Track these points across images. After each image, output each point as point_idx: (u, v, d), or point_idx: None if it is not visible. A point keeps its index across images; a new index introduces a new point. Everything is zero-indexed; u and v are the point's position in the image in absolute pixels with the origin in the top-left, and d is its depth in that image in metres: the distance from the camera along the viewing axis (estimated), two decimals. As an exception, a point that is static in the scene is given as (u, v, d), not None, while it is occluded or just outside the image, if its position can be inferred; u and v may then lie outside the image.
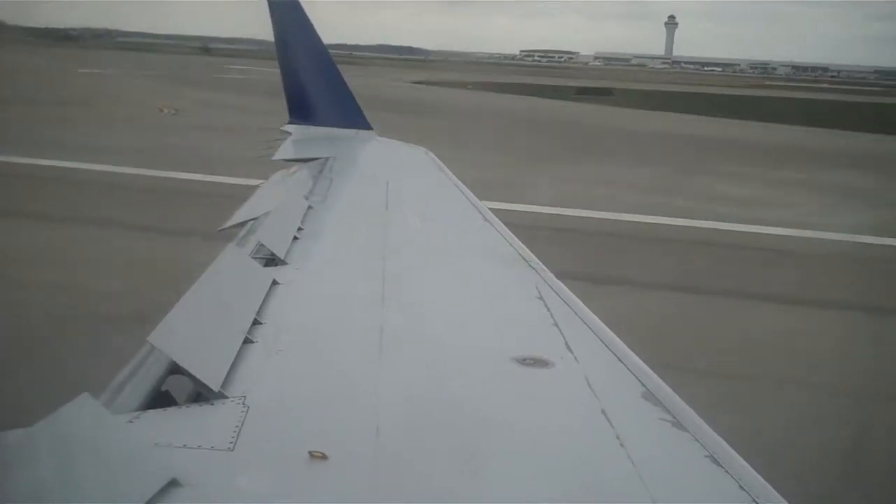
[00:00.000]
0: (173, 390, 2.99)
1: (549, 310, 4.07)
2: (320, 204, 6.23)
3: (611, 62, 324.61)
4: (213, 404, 2.78)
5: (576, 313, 4.05)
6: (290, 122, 10.15)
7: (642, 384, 3.23)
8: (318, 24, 10.00)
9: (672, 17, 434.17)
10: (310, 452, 2.43)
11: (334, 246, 5.36)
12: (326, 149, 8.91)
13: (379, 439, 2.60)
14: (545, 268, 4.87)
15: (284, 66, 10.12)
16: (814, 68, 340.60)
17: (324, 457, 2.42)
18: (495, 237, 5.65)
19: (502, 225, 5.94)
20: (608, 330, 3.84)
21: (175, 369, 2.99)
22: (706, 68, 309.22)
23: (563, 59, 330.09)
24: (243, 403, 2.77)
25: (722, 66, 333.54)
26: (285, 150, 9.36)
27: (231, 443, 2.50)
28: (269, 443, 2.54)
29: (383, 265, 4.65)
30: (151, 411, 2.74)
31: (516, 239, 5.53)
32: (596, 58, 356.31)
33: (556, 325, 3.85)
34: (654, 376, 3.32)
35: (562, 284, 4.52)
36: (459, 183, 7.64)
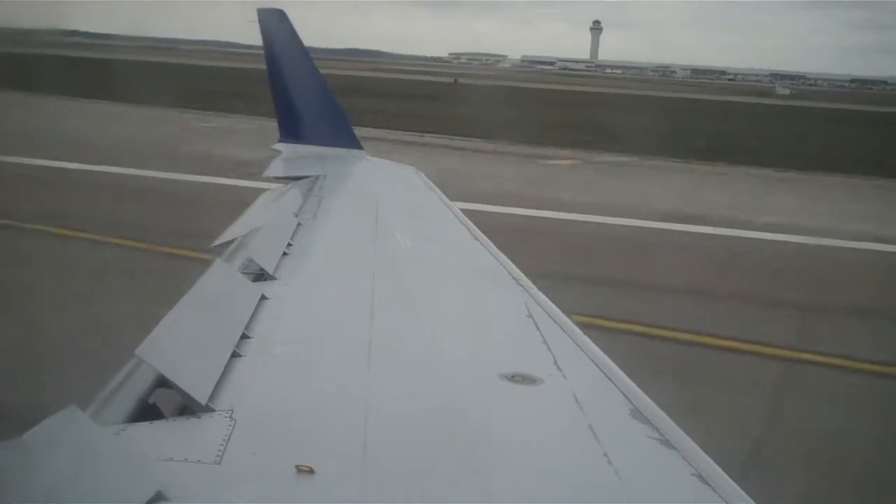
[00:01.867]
0: (160, 403, 2.98)
1: (538, 327, 4.07)
2: (310, 221, 6.23)
3: (533, 65, 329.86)
4: (199, 417, 2.77)
5: (564, 331, 4.06)
6: (281, 141, 10.08)
7: (630, 402, 3.24)
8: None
9: (597, 23, 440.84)
10: (297, 466, 2.43)
11: (323, 262, 5.36)
12: (316, 167, 8.90)
13: (366, 454, 2.60)
14: (534, 286, 4.89)
15: (274, 84, 10.03)
16: (713, 71, 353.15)
17: (311, 471, 2.42)
18: (485, 256, 5.67)
19: (492, 244, 5.96)
20: (596, 348, 3.85)
21: (162, 382, 2.98)
22: (608, 70, 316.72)
23: (488, 62, 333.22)
24: (230, 417, 2.77)
25: (623, 68, 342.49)
26: (275, 168, 9.35)
27: (218, 456, 2.49)
28: (256, 456, 2.54)
29: (372, 282, 4.65)
30: (138, 424, 2.73)
31: (506, 257, 5.56)
32: (522, 61, 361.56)
33: (544, 342, 3.86)
34: (642, 394, 3.34)
35: (551, 303, 4.54)
36: (449, 202, 7.66)
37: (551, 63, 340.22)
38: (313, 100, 10.14)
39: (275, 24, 9.84)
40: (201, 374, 3.02)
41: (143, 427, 2.70)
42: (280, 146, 10.06)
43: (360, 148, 10.11)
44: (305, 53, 10.08)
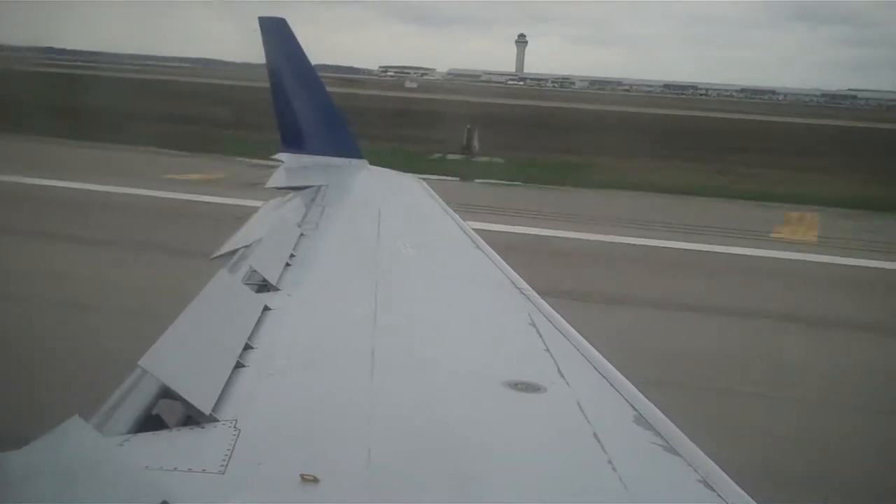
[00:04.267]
0: (164, 414, 3.01)
1: (540, 335, 4.10)
2: (312, 231, 6.27)
3: (457, 77, 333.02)
4: (204, 427, 2.79)
5: (567, 339, 4.09)
6: (283, 151, 10.01)
7: (634, 408, 3.25)
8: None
9: (522, 36, 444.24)
10: (301, 475, 2.45)
11: (326, 272, 5.40)
12: (319, 177, 8.95)
13: (370, 463, 2.61)
14: (537, 294, 4.93)
15: (276, 94, 9.96)
16: (609, 82, 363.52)
17: (315, 480, 2.44)
18: (487, 264, 5.72)
19: (494, 252, 6.02)
20: (599, 355, 3.87)
21: (166, 393, 3.00)
22: (509, 82, 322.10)
23: (411, 75, 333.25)
24: (234, 427, 2.79)
25: (525, 79, 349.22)
26: (278, 179, 9.36)
27: (222, 466, 2.51)
28: (260, 466, 2.56)
29: (375, 291, 4.68)
30: (142, 434, 2.75)
31: (508, 266, 5.60)
32: (448, 73, 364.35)
33: (547, 350, 3.88)
34: (646, 401, 3.34)
35: (553, 311, 4.56)
36: (451, 211, 7.73)
37: (476, 76, 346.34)
38: (315, 109, 10.16)
39: (277, 33, 9.81)
40: (205, 385, 3.04)
41: (148, 437, 2.72)
42: (282, 156, 10.04)
43: (362, 157, 10.16)
44: (307, 62, 10.06)
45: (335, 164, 9.84)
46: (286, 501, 2.37)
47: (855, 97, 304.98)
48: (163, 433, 2.79)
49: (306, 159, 9.92)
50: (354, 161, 9.99)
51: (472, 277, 5.50)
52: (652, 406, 3.29)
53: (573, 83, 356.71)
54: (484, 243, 6.32)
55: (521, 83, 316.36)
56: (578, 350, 3.93)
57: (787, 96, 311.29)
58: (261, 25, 9.74)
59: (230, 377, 3.19)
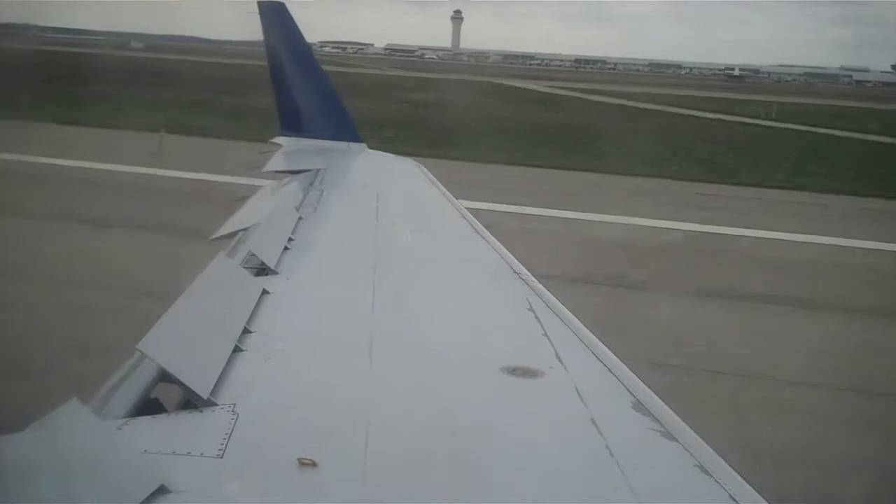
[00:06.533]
0: (163, 398, 3.01)
1: (539, 320, 4.10)
2: (311, 215, 6.27)
3: (394, 53, 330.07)
4: (202, 412, 2.80)
5: (566, 324, 4.09)
6: (281, 134, 10.01)
7: (632, 394, 3.26)
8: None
9: (458, 12, 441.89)
10: (299, 459, 2.45)
11: (324, 256, 5.41)
12: (317, 161, 8.93)
13: (368, 447, 2.62)
14: (535, 279, 4.93)
15: (275, 77, 9.95)
16: (522, 56, 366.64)
17: (313, 464, 2.45)
18: (486, 249, 5.72)
19: (492, 237, 6.02)
20: (598, 340, 3.87)
21: (165, 377, 3.00)
22: (426, 56, 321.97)
23: (353, 51, 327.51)
24: (233, 411, 2.80)
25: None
26: (276, 162, 9.30)
27: (220, 450, 2.52)
28: (258, 450, 2.56)
29: (373, 276, 4.69)
30: (141, 418, 2.75)
31: (506, 251, 5.61)
32: (386, 49, 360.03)
33: (545, 335, 3.88)
34: (644, 386, 3.35)
35: (552, 296, 4.57)
36: (450, 195, 7.74)
37: (412, 51, 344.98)
38: (314, 93, 10.14)
39: (275, 17, 9.77)
40: (203, 369, 3.04)
41: (146, 421, 2.73)
42: (280, 139, 10.03)
43: (361, 141, 10.18)
44: (306, 46, 10.07)
45: (334, 147, 9.82)
46: (284, 485, 2.38)
47: (755, 72, 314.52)
48: (161, 417, 2.79)
49: (305, 143, 9.90)
50: (353, 145, 9.99)
51: (471, 262, 5.52)
52: (650, 392, 3.31)
53: (488, 56, 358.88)
54: (482, 228, 6.32)
55: (436, 57, 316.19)
56: (577, 335, 3.95)
57: (692, 70, 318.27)
58: (259, 9, 9.70)
59: (229, 361, 3.19)
